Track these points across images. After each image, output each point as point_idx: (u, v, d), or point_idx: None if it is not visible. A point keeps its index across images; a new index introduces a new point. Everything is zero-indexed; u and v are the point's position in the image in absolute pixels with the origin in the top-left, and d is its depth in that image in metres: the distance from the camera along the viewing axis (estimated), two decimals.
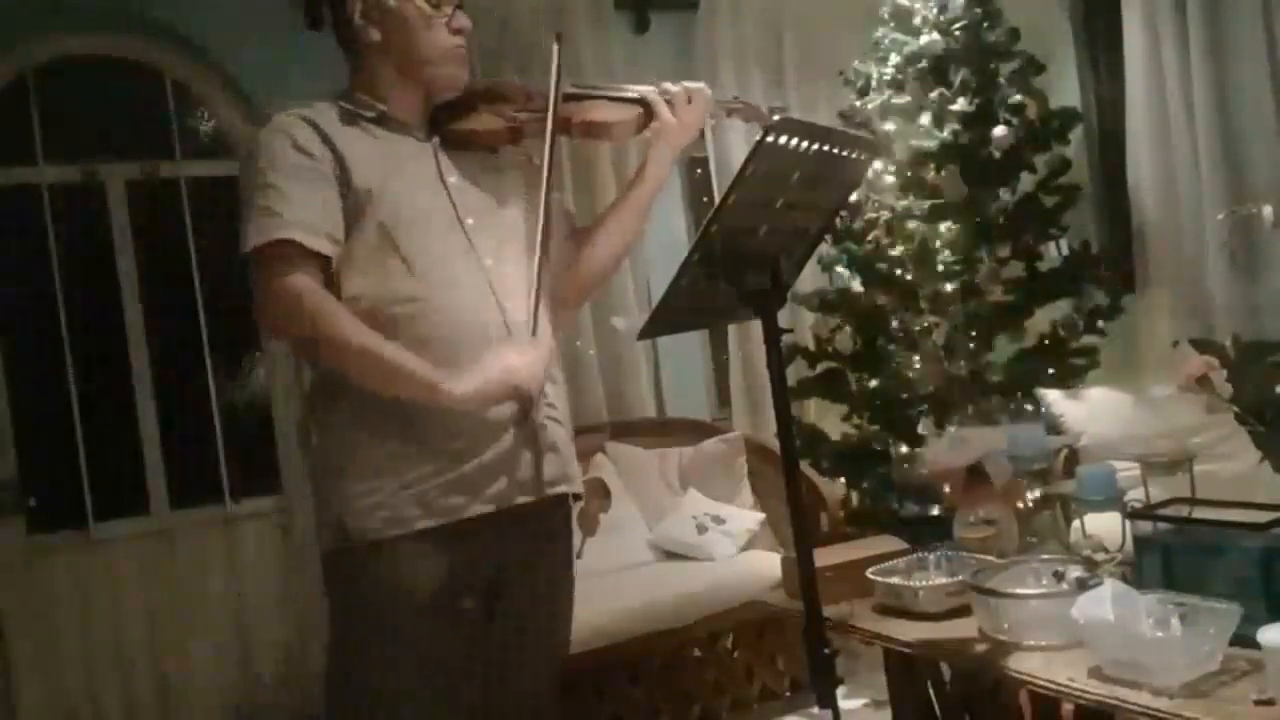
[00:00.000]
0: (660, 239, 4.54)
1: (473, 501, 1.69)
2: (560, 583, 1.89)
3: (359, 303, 1.67)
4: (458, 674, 1.73)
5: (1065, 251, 4.08)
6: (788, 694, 3.64)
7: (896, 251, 3.92)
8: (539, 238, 1.75)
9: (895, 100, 3.99)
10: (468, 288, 1.71)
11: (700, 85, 1.92)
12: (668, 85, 1.89)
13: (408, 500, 1.66)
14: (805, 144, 1.57)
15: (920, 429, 3.97)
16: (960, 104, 3.91)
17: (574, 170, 4.32)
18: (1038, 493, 2.22)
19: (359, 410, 1.68)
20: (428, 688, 1.68)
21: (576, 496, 1.88)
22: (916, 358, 3.94)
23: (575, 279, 1.94)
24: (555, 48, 1.81)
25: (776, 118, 1.96)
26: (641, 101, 1.89)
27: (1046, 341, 3.97)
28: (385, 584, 1.68)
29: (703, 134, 4.64)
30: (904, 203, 3.93)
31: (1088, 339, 3.98)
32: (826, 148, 1.62)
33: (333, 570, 1.73)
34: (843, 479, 4.09)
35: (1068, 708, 2.10)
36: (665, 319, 1.70)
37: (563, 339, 4.23)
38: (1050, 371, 3.87)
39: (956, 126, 3.91)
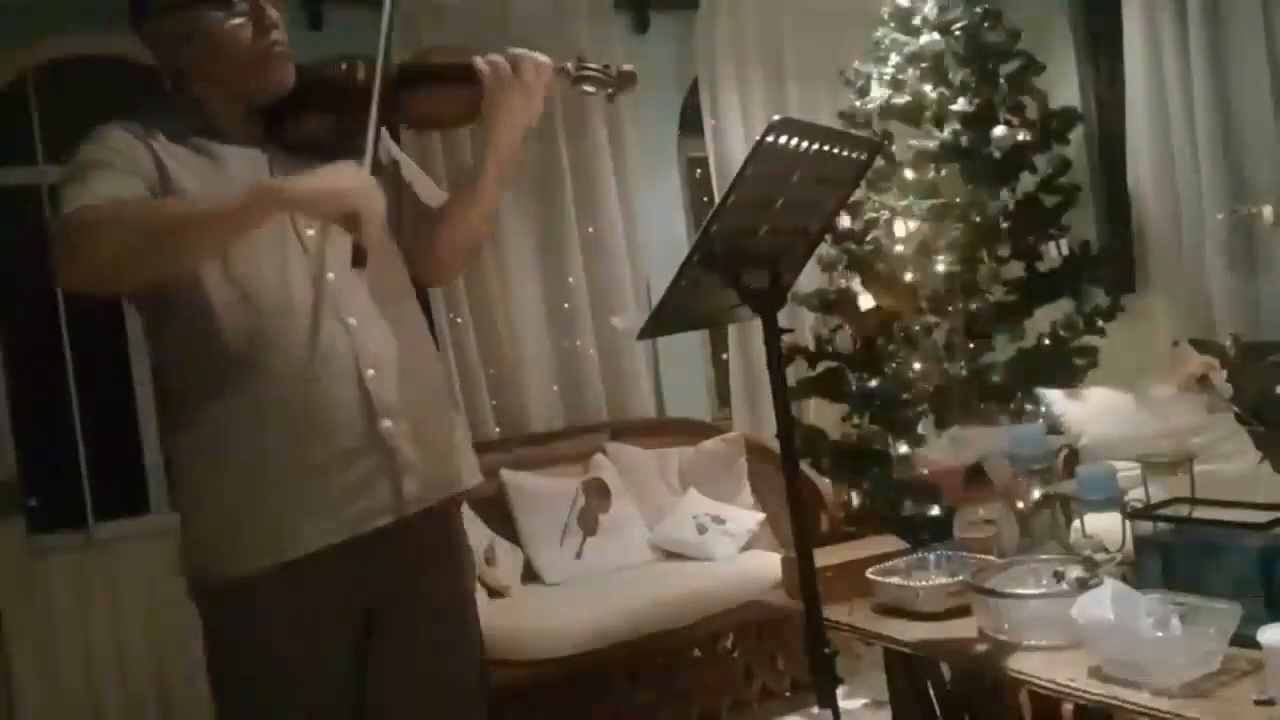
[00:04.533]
0: (660, 239, 4.55)
1: (325, 532, 1.59)
2: (450, 593, 1.79)
3: (184, 329, 1.59)
4: (336, 703, 1.64)
5: (1065, 251, 4.08)
6: (788, 694, 3.65)
7: (896, 252, 3.92)
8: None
9: (895, 100, 3.99)
10: (304, 304, 1.61)
11: (528, 53, 1.73)
12: (493, 55, 1.71)
13: (261, 538, 1.58)
14: (805, 144, 1.57)
15: (920, 429, 3.97)
16: (960, 104, 3.91)
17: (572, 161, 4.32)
18: (1038, 493, 2.22)
19: (207, 436, 1.59)
20: (303, 716, 1.62)
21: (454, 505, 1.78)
22: (916, 358, 3.94)
23: (425, 263, 1.83)
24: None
25: (627, 68, 1.82)
26: (472, 77, 1.71)
27: (1047, 341, 3.97)
28: (248, 620, 1.61)
29: (702, 133, 4.66)
30: (904, 203, 3.93)
31: (1088, 339, 3.98)
32: (826, 148, 1.62)
33: (197, 602, 1.66)
34: (843, 479, 4.09)
35: (1068, 708, 2.10)
36: (665, 319, 1.69)
37: (562, 339, 4.30)
38: (1050, 371, 3.87)
39: (956, 126, 3.91)
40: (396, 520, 1.65)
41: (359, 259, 1.54)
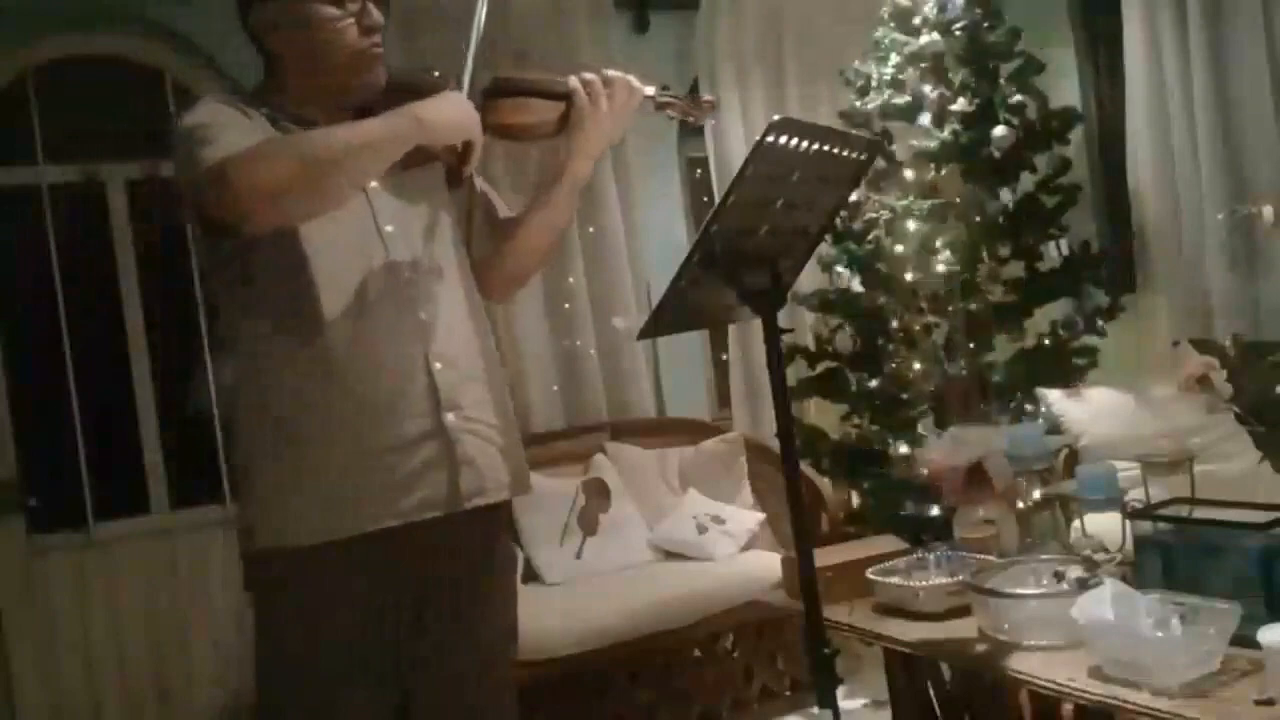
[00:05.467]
0: (660, 239, 4.55)
1: (379, 516, 1.62)
2: (494, 592, 1.82)
3: (264, 316, 1.63)
4: (378, 686, 1.67)
5: (1065, 251, 4.08)
6: (788, 694, 3.65)
7: (897, 251, 3.92)
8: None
9: (895, 100, 3.99)
10: (381, 302, 1.66)
11: (623, 75, 1.79)
12: (586, 74, 1.78)
13: (314, 512, 1.61)
14: (805, 144, 1.57)
15: (920, 429, 3.97)
16: (960, 104, 3.91)
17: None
18: (1038, 493, 2.22)
19: (272, 414, 1.63)
20: (346, 698, 1.64)
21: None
22: (916, 358, 3.94)
23: (496, 274, 1.90)
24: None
25: (708, 98, 1.90)
26: (564, 95, 1.78)
27: (1046, 341, 3.97)
28: (293, 593, 1.64)
29: (702, 133, 4.66)
30: (904, 203, 3.93)
31: (1088, 339, 3.98)
32: (826, 148, 1.62)
33: (248, 576, 1.70)
34: (843, 479, 4.09)
35: (1068, 708, 2.10)
36: (665, 319, 1.69)
37: (562, 339, 4.30)
38: (1050, 371, 3.87)
39: (956, 126, 3.90)
40: (447, 515, 1.68)
41: (456, 179, 1.69)
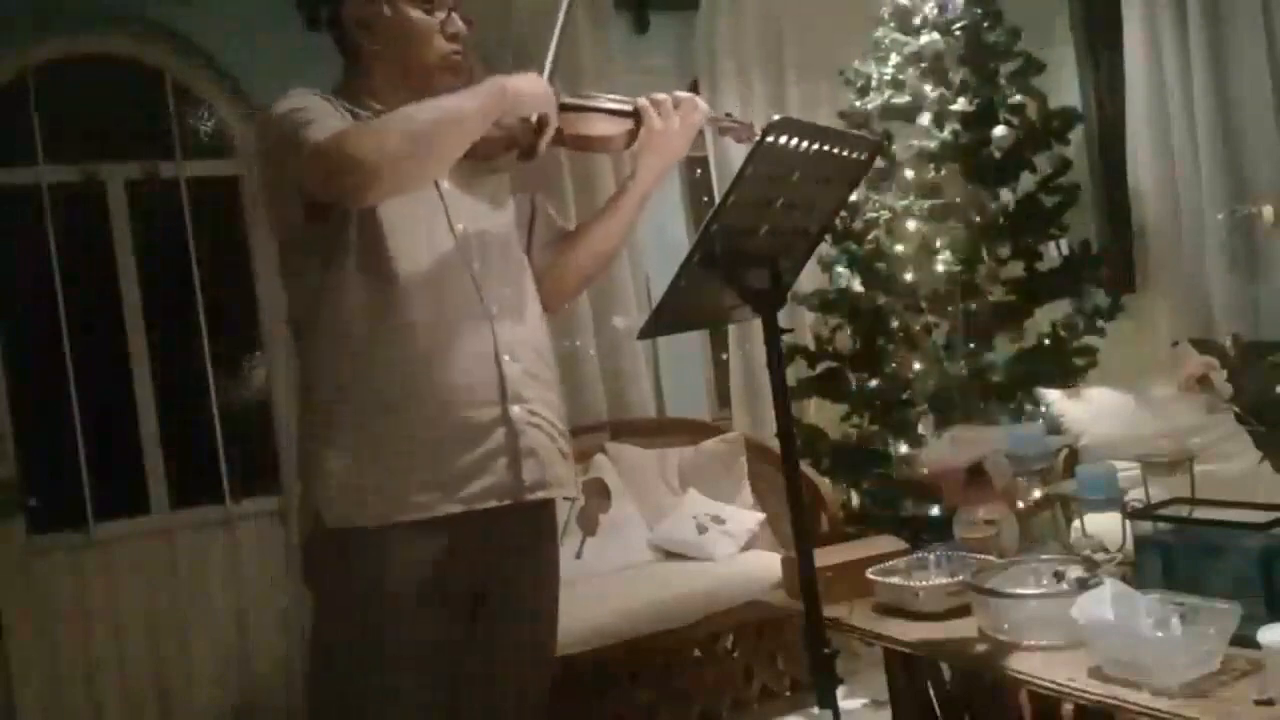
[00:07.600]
0: (660, 239, 4.55)
1: (445, 501, 1.68)
2: (544, 587, 1.88)
3: (344, 305, 1.68)
4: (433, 672, 1.72)
5: (1065, 251, 4.08)
6: (788, 694, 3.64)
7: (897, 251, 3.92)
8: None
9: (895, 100, 3.99)
10: (453, 293, 1.72)
11: (691, 96, 1.88)
12: (657, 95, 1.87)
13: (381, 493, 1.66)
14: (805, 144, 1.57)
15: (920, 429, 3.97)
16: (960, 104, 3.91)
17: (573, 172, 4.32)
18: (1038, 493, 2.22)
19: (340, 401, 1.68)
20: (400, 683, 1.68)
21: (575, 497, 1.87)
22: (916, 358, 3.94)
23: (555, 282, 1.96)
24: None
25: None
26: (633, 113, 1.87)
27: (1047, 341, 3.97)
28: (355, 574, 1.68)
29: (702, 134, 4.65)
30: (904, 203, 3.93)
31: (1088, 339, 3.98)
32: (826, 148, 1.62)
33: (308, 559, 1.74)
34: (843, 479, 4.09)
35: (1068, 708, 2.10)
36: (665, 319, 1.70)
37: (562, 339, 4.29)
38: (1050, 371, 3.87)
39: (956, 126, 3.90)
40: (510, 505, 1.73)
41: (530, 153, 1.76)
